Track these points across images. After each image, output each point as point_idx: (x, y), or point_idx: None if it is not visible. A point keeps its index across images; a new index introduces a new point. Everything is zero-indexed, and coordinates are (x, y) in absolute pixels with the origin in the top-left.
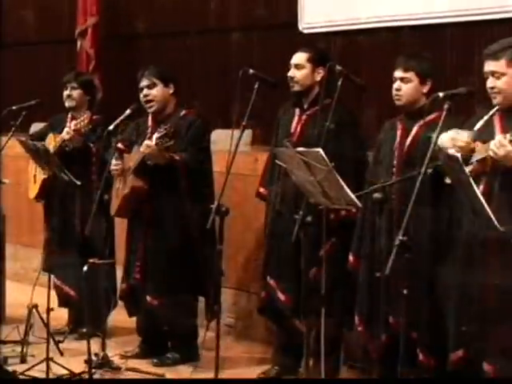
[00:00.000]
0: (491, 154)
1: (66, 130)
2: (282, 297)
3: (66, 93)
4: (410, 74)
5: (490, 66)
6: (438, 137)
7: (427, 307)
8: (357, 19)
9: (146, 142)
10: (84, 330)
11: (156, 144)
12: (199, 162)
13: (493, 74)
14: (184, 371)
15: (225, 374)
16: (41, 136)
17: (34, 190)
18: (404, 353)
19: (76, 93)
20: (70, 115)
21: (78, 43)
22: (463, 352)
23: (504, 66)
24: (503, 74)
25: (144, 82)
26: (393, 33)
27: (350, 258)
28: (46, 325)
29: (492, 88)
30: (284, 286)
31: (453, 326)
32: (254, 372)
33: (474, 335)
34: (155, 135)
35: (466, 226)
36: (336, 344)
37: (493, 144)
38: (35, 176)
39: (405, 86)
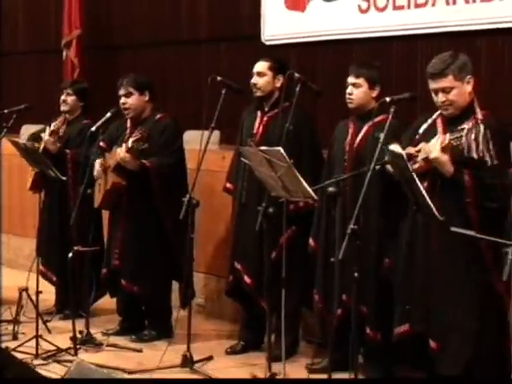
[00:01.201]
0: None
1: (47, 130)
2: (247, 280)
3: (62, 98)
4: (361, 80)
5: (439, 83)
6: (385, 137)
7: (375, 288)
8: (313, 32)
9: (122, 147)
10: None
11: (130, 148)
12: (170, 165)
13: (443, 89)
14: (160, 346)
15: (196, 349)
16: (38, 136)
17: (29, 183)
18: (355, 327)
19: (70, 99)
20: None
21: (64, 53)
22: (407, 327)
23: (452, 81)
24: (452, 88)
25: (122, 91)
26: (345, 44)
27: (311, 241)
28: (36, 306)
29: (444, 101)
30: (250, 270)
31: (398, 304)
32: (222, 346)
33: (417, 314)
34: (131, 139)
35: (409, 216)
36: (295, 321)
37: (430, 144)
38: (32, 170)
39: (356, 90)
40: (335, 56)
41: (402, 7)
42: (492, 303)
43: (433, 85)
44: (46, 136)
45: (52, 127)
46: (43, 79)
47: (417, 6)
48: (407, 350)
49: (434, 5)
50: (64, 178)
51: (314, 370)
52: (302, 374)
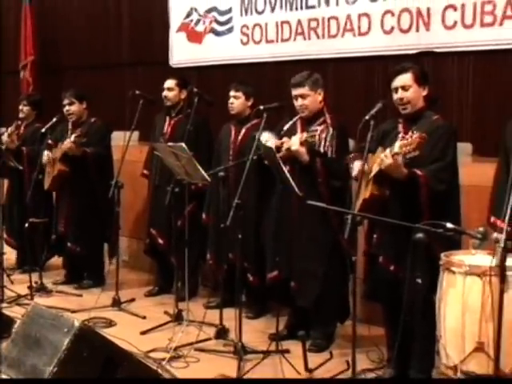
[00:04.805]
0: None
1: (5, 133)
2: (161, 241)
3: (20, 108)
4: (239, 94)
5: (298, 90)
6: (259, 136)
7: (253, 247)
8: (207, 58)
9: (67, 140)
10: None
11: (74, 141)
12: (103, 156)
13: (301, 96)
14: (95, 292)
15: (122, 293)
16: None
17: None
18: (239, 275)
19: (26, 108)
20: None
21: (21, 74)
22: (276, 273)
23: (307, 90)
24: (307, 95)
25: (66, 101)
26: (231, 68)
27: (203, 215)
28: (1, 263)
29: (301, 105)
30: (162, 234)
31: (270, 256)
32: (142, 291)
33: (283, 263)
34: (73, 135)
35: (278, 193)
36: (195, 272)
37: (292, 139)
38: None
39: (236, 101)
40: (224, 76)
41: (272, 41)
42: (337, 255)
43: (294, 92)
44: (5, 138)
45: (9, 131)
46: (5, 93)
47: (283, 40)
48: (276, 290)
49: (295, 40)
50: (21, 168)
51: (210, 306)
52: (201, 310)
